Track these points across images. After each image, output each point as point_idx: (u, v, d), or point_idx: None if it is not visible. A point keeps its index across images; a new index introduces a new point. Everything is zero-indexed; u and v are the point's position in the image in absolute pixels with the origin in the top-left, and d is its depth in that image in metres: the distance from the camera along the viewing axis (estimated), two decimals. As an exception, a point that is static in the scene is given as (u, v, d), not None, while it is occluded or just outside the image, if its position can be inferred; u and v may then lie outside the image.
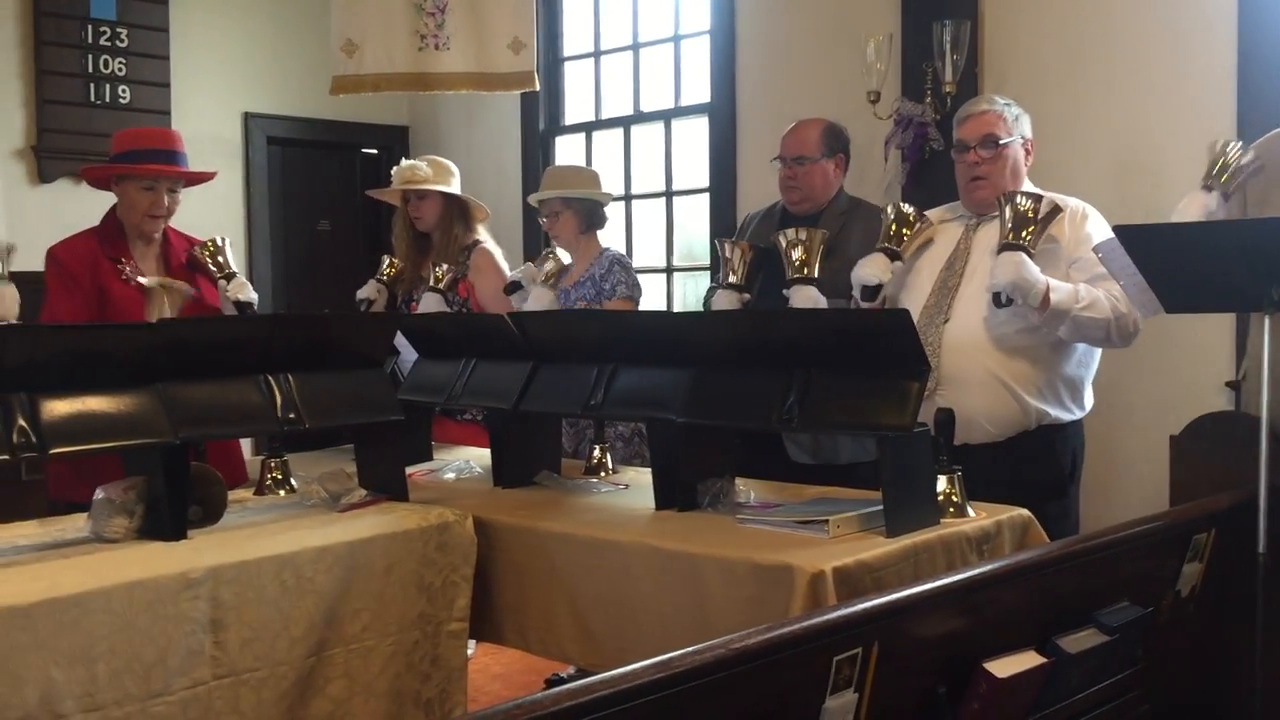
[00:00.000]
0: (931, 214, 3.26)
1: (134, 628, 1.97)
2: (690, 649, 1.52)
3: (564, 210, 4.02)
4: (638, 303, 3.98)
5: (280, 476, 2.79)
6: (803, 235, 3.16)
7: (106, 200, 3.47)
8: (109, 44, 5.72)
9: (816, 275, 3.14)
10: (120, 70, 5.75)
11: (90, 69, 5.68)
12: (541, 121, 6.19)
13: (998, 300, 2.88)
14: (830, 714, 1.67)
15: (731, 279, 3.31)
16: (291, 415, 2.50)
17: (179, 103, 5.91)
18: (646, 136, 5.91)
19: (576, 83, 6.23)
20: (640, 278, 4.08)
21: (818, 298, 3.11)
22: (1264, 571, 2.36)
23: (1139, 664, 2.26)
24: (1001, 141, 3.09)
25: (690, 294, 5.70)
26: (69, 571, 2.03)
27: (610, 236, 4.20)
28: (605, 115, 6.06)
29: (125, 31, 5.76)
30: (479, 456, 3.23)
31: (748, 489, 2.57)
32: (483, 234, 4.10)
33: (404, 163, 4.09)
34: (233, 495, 2.56)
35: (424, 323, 3.37)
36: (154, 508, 2.30)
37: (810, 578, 2.01)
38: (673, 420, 2.51)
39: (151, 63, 5.85)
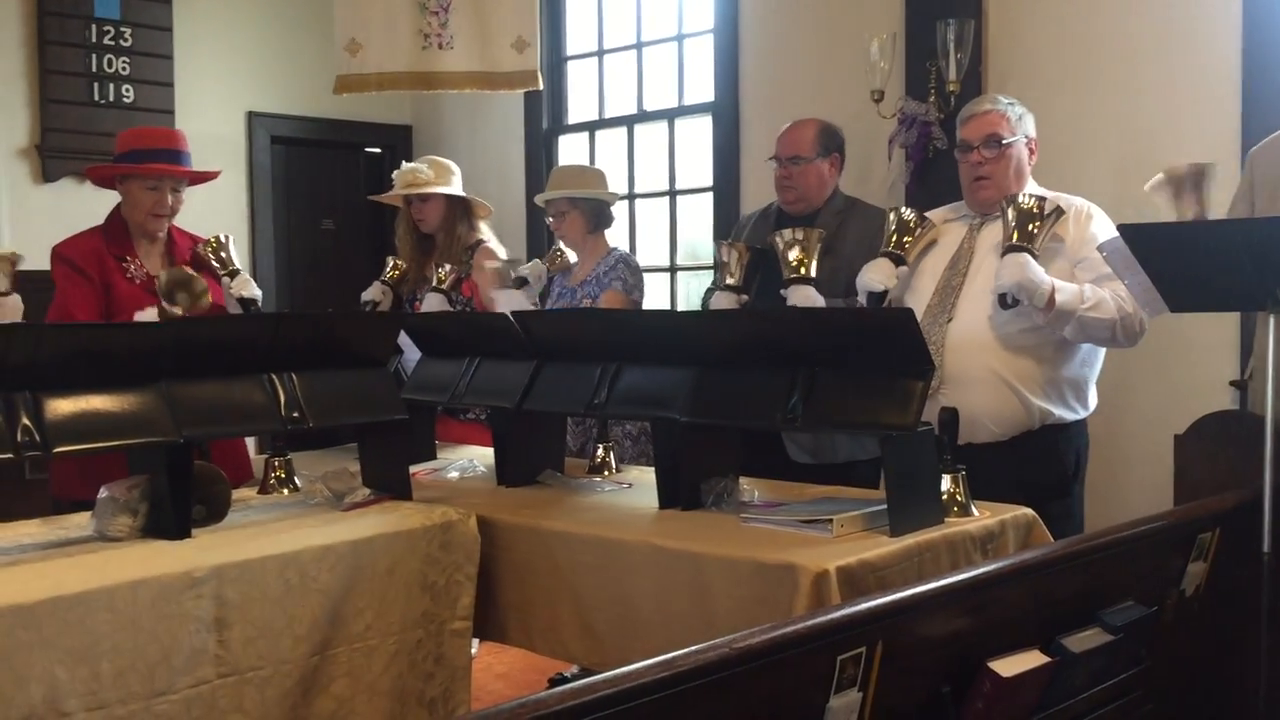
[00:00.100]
0: (935, 214, 3.26)
1: (138, 626, 1.97)
2: (694, 648, 1.52)
3: (571, 210, 4.02)
4: (635, 300, 3.96)
5: (284, 475, 2.79)
6: (799, 235, 3.16)
7: (109, 200, 3.47)
8: (113, 43, 5.73)
9: (813, 275, 3.14)
10: (124, 70, 5.76)
11: (94, 68, 5.69)
12: (545, 121, 6.19)
13: (1003, 302, 2.88)
14: (834, 713, 1.67)
15: (729, 280, 3.32)
16: (295, 414, 2.50)
17: (183, 102, 5.92)
18: (650, 136, 5.91)
19: (580, 82, 6.23)
20: (644, 277, 4.08)
21: (815, 297, 3.11)
22: (1269, 571, 2.36)
23: (1143, 663, 2.25)
24: (1005, 141, 3.09)
25: (694, 293, 5.70)
26: (73, 570, 2.03)
27: (614, 236, 4.20)
28: (609, 114, 6.06)
29: (129, 31, 5.76)
30: (482, 455, 3.23)
31: (751, 488, 2.57)
32: (486, 233, 4.09)
33: (405, 165, 4.09)
34: (236, 494, 2.56)
35: (427, 322, 3.37)
36: (158, 506, 2.30)
37: (814, 577, 2.01)
38: (676, 419, 2.51)
39: (155, 62, 5.86)
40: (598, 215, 4.05)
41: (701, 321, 2.85)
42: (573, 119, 6.24)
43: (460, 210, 4.04)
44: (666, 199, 5.81)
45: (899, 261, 3.10)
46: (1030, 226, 2.88)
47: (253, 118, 6.30)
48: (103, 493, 2.30)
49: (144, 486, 2.31)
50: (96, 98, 5.69)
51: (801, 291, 3.11)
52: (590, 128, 6.13)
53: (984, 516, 2.40)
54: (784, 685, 1.62)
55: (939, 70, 4.34)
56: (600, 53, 6.09)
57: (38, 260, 3.40)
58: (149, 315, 3.12)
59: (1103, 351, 3.11)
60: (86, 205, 4.58)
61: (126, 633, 1.95)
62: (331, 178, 6.79)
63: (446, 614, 2.44)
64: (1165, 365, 3.95)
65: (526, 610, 2.50)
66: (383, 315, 3.69)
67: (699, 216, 5.64)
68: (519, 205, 6.01)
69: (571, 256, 3.89)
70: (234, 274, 3.37)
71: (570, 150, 6.20)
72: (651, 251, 5.83)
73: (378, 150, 6.84)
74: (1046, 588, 2.06)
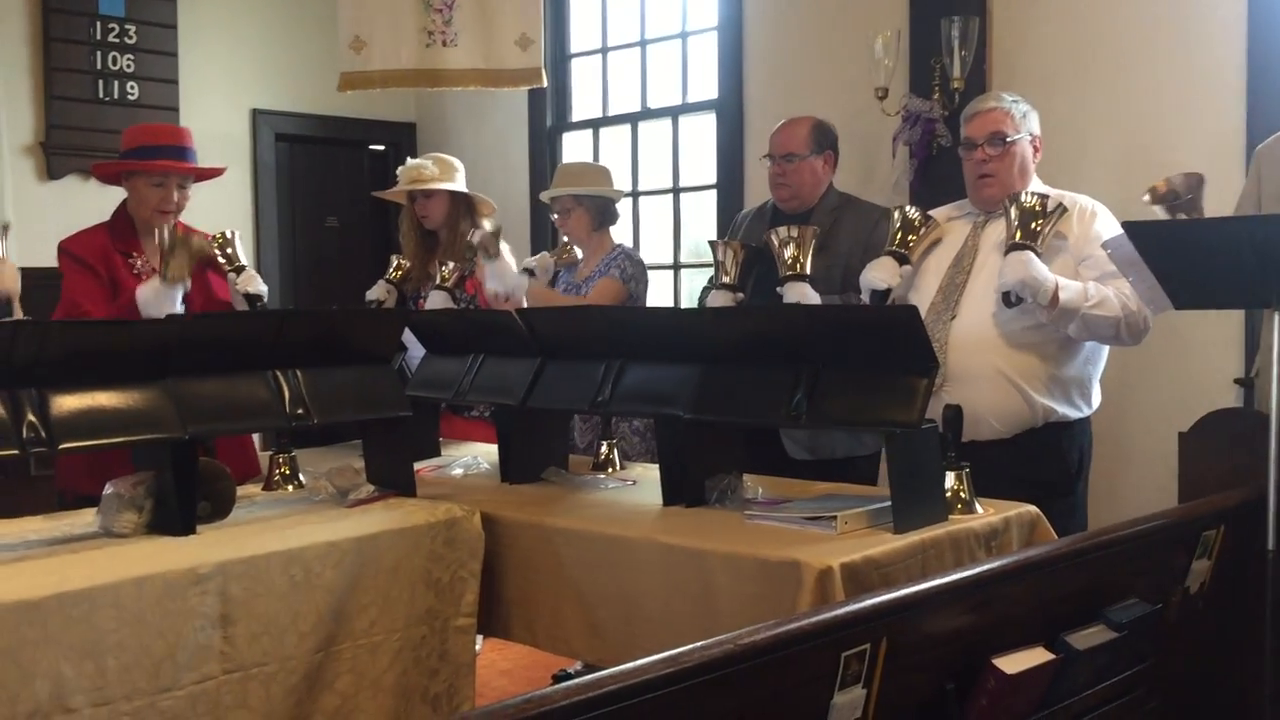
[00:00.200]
0: (939, 212, 3.26)
1: (143, 622, 1.97)
2: (699, 644, 1.52)
3: (576, 207, 4.02)
4: (635, 294, 3.95)
5: (288, 472, 2.79)
6: (794, 233, 3.16)
7: (114, 197, 3.48)
8: (117, 40, 5.73)
9: (809, 272, 3.14)
10: (129, 67, 5.77)
11: (99, 65, 5.69)
12: (549, 118, 6.19)
13: (1007, 300, 2.88)
14: (839, 709, 1.67)
15: (725, 279, 3.32)
16: (300, 411, 2.51)
17: (187, 99, 5.93)
18: (654, 133, 5.91)
19: (584, 79, 6.23)
20: (649, 273, 4.08)
21: (811, 294, 3.11)
22: (1273, 568, 2.36)
23: (1147, 661, 2.25)
24: (1009, 139, 3.08)
25: (698, 290, 5.70)
26: (78, 566, 2.04)
27: (618, 233, 4.20)
28: (612, 112, 6.06)
29: (134, 28, 5.77)
30: (486, 452, 3.23)
31: (755, 485, 2.57)
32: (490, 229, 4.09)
33: (410, 162, 4.09)
34: (241, 491, 2.56)
35: (432, 319, 3.37)
36: (163, 503, 2.30)
37: (818, 574, 2.01)
38: (680, 416, 2.51)
39: (160, 59, 5.86)
40: (602, 212, 4.05)
41: (705, 319, 2.85)
42: (577, 116, 6.24)
43: (464, 207, 4.03)
44: (670, 196, 5.81)
45: (903, 260, 3.10)
46: (1034, 224, 2.88)
47: (257, 115, 6.30)
48: (108, 489, 2.31)
49: (149, 483, 2.31)
50: (101, 95, 5.70)
51: (797, 288, 3.12)
52: (594, 125, 6.13)
53: (988, 514, 2.40)
54: (788, 682, 1.62)
55: (943, 67, 4.34)
56: (604, 50, 6.09)
57: (43, 257, 3.41)
58: (151, 287, 3.13)
59: (1106, 349, 3.10)
60: (91, 202, 4.58)
61: (132, 629, 1.96)
62: (336, 175, 6.79)
63: (451, 610, 2.45)
64: (1169, 363, 3.95)
65: (530, 607, 2.50)
66: (387, 312, 3.69)
67: (703, 214, 5.64)
68: (523, 202, 6.02)
69: (579, 252, 3.89)
70: (240, 270, 3.37)
71: (574, 147, 6.20)
72: (655, 249, 5.83)
73: (382, 148, 6.85)
74: (1051, 585, 2.06)
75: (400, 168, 4.11)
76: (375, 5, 5.25)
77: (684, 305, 5.63)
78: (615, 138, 6.06)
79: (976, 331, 2.99)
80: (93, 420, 2.20)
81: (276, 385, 2.50)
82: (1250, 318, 3.79)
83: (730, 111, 5.34)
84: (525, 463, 2.89)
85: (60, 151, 5.60)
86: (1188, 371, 3.95)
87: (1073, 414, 3.03)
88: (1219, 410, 2.80)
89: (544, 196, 4.23)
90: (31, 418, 2.13)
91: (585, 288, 3.95)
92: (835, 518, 2.24)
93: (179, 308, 3.16)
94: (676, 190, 5.78)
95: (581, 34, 6.20)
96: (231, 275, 3.37)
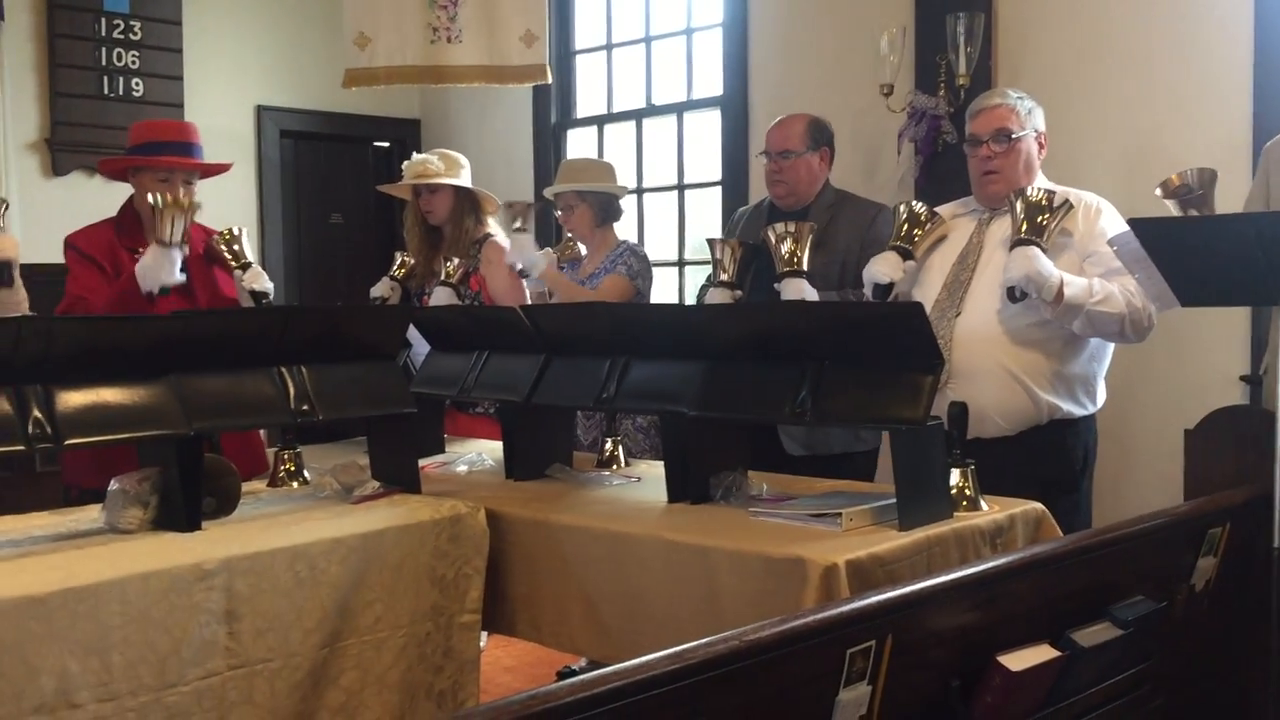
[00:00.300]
0: (943, 209, 3.25)
1: (149, 618, 1.98)
2: (704, 640, 1.52)
3: (579, 204, 4.02)
4: (641, 289, 3.96)
5: (293, 468, 2.79)
6: (791, 228, 3.17)
7: (119, 193, 3.48)
8: (122, 37, 5.74)
9: (806, 268, 3.14)
10: (133, 63, 5.77)
11: (103, 62, 5.70)
12: (553, 114, 6.19)
13: (1012, 295, 2.87)
14: (844, 706, 1.67)
15: (723, 277, 3.33)
16: (305, 407, 2.51)
17: (192, 96, 5.93)
18: (658, 130, 5.90)
19: (588, 75, 6.22)
20: (653, 270, 4.08)
21: (808, 290, 3.12)
22: (1278, 566, 2.35)
23: (1153, 658, 2.25)
24: (1014, 135, 3.08)
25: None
26: (84, 562, 2.04)
27: (622, 230, 4.20)
28: (617, 108, 6.06)
29: (138, 25, 5.78)
30: (491, 449, 3.23)
31: (760, 482, 2.57)
32: (493, 227, 4.10)
33: (415, 157, 4.10)
34: (246, 487, 2.56)
35: (436, 316, 3.37)
36: (168, 499, 2.30)
37: (823, 571, 2.01)
38: (685, 413, 2.51)
39: (164, 56, 5.87)
40: (606, 209, 4.05)
41: (710, 316, 2.85)
42: (581, 113, 6.24)
43: (468, 203, 4.04)
44: (675, 193, 5.81)
45: (907, 255, 3.10)
46: (1040, 219, 2.87)
47: (262, 111, 6.31)
48: (113, 485, 2.31)
49: (154, 479, 2.32)
50: (106, 91, 5.71)
51: (795, 284, 3.12)
52: (598, 121, 6.13)
53: (993, 511, 2.40)
54: (794, 678, 1.62)
55: (949, 64, 4.33)
56: (609, 46, 6.09)
57: (48, 254, 3.41)
58: (149, 252, 3.13)
59: (1111, 347, 3.10)
60: (96, 199, 4.60)
61: (137, 625, 1.96)
62: (340, 172, 6.80)
63: (455, 607, 2.45)
64: (1174, 360, 3.94)
65: (535, 603, 2.50)
66: (392, 309, 3.69)
67: (707, 211, 5.64)
68: (527, 199, 6.00)
69: (582, 248, 3.89)
70: (246, 267, 3.38)
71: (578, 144, 6.20)
72: (659, 246, 5.83)
73: (386, 144, 6.85)
74: (1056, 582, 2.06)
75: (406, 163, 4.12)
76: (380, 1, 5.25)
77: (689, 302, 5.63)
78: (620, 134, 6.05)
79: (981, 328, 2.99)
80: (98, 416, 2.21)
81: (281, 382, 2.50)
82: (1256, 315, 3.79)
83: (735, 108, 5.33)
84: (530, 459, 2.89)
85: (65, 148, 5.61)
86: (1193, 369, 3.95)
87: (1077, 411, 3.03)
88: (1225, 408, 2.79)
89: (547, 193, 4.24)
90: (37, 413, 2.13)
91: (589, 284, 3.95)
92: (840, 515, 2.24)
93: (179, 276, 3.15)
94: (681, 187, 5.78)
95: (586, 30, 6.20)
96: (238, 272, 3.38)
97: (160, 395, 2.29)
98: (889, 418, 2.26)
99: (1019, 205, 2.90)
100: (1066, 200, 2.92)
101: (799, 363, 2.37)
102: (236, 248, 3.39)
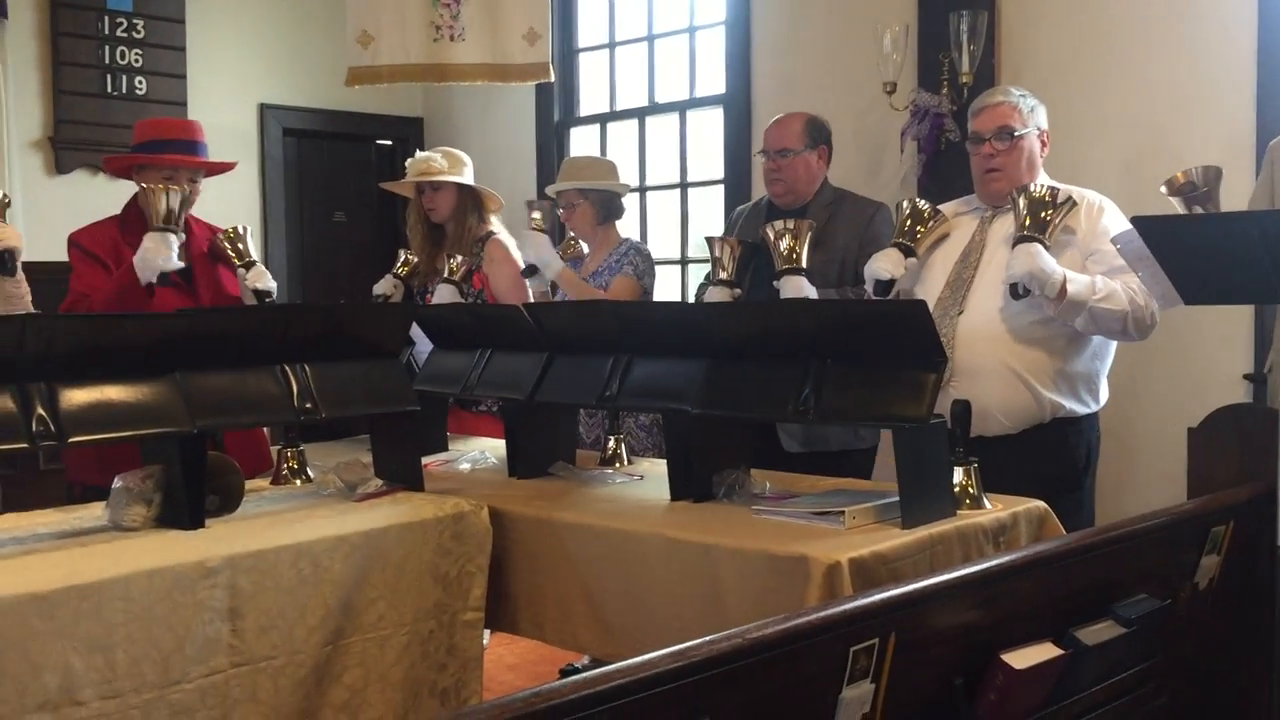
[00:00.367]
0: (946, 207, 3.25)
1: (152, 616, 1.98)
2: (708, 638, 1.52)
3: (580, 201, 4.03)
4: (647, 288, 3.96)
5: (297, 466, 2.79)
6: (790, 225, 3.16)
7: (122, 191, 3.48)
8: (125, 35, 5.74)
9: (805, 265, 3.14)
10: (137, 61, 5.78)
11: (107, 60, 5.71)
12: (556, 113, 6.19)
13: (1014, 292, 2.87)
14: (847, 704, 1.67)
15: (722, 275, 3.33)
16: (308, 405, 2.51)
17: (195, 94, 5.94)
18: (661, 128, 5.90)
19: (591, 74, 6.22)
20: (656, 268, 4.08)
21: (808, 287, 3.12)
22: (1282, 564, 2.35)
23: (1156, 656, 2.25)
24: (1017, 133, 3.07)
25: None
26: (88, 559, 2.04)
27: (625, 228, 4.20)
28: (620, 106, 6.06)
29: (141, 23, 5.78)
30: (494, 447, 3.23)
31: (763, 480, 2.57)
32: (496, 225, 4.10)
33: (418, 154, 4.10)
34: (249, 485, 2.56)
35: (439, 314, 3.37)
36: (172, 496, 2.31)
37: (826, 569, 2.01)
38: (688, 411, 2.51)
39: (168, 54, 5.87)
40: (607, 207, 4.05)
41: (713, 314, 2.85)
42: (584, 111, 6.24)
43: (471, 201, 4.04)
44: (677, 191, 5.81)
45: (909, 252, 3.10)
46: (1043, 214, 2.87)
47: (265, 110, 6.31)
48: (117, 483, 2.31)
49: (158, 476, 2.32)
50: (109, 90, 5.71)
51: (794, 282, 3.12)
52: (601, 120, 6.13)
53: (996, 509, 2.39)
54: (797, 676, 1.62)
55: (951, 62, 4.33)
56: (612, 45, 6.09)
57: (51, 252, 3.41)
58: (147, 240, 3.13)
59: (1114, 345, 3.09)
60: (99, 197, 4.61)
61: (141, 622, 1.96)
62: (343, 170, 6.80)
63: (458, 605, 2.45)
64: (1177, 359, 3.94)
65: (538, 601, 2.50)
66: (395, 307, 3.69)
67: (710, 209, 5.63)
68: (530, 197, 6.00)
69: (584, 247, 3.89)
70: (250, 265, 3.38)
71: (581, 142, 6.20)
72: (662, 244, 5.83)
73: (389, 142, 6.85)
74: (1059, 580, 2.05)
75: (409, 161, 4.12)
76: (383, 0, 5.25)
77: (691, 300, 5.63)
78: (623, 132, 6.05)
79: (984, 326, 2.99)
80: (101, 414, 2.21)
81: (284, 380, 2.50)
82: (1259, 313, 3.78)
83: (738, 106, 5.33)
84: (533, 457, 2.89)
85: (68, 146, 5.62)
86: (1196, 367, 3.94)
87: (1080, 409, 3.02)
88: (1229, 406, 2.79)
89: (549, 191, 4.24)
90: (41, 411, 2.13)
91: (592, 282, 3.95)
92: (843, 513, 2.24)
93: (176, 261, 3.15)
94: (684, 185, 5.77)
95: (589, 29, 6.20)
96: (241, 271, 3.38)
97: (164, 393, 2.29)
98: (892, 416, 2.26)
99: (1022, 202, 2.89)
100: (1069, 196, 2.92)
101: (802, 361, 2.37)
102: (241, 246, 3.39)
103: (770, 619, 1.61)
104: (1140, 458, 3.97)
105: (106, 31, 5.70)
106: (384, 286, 3.91)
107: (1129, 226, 2.60)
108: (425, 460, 2.84)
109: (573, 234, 4.01)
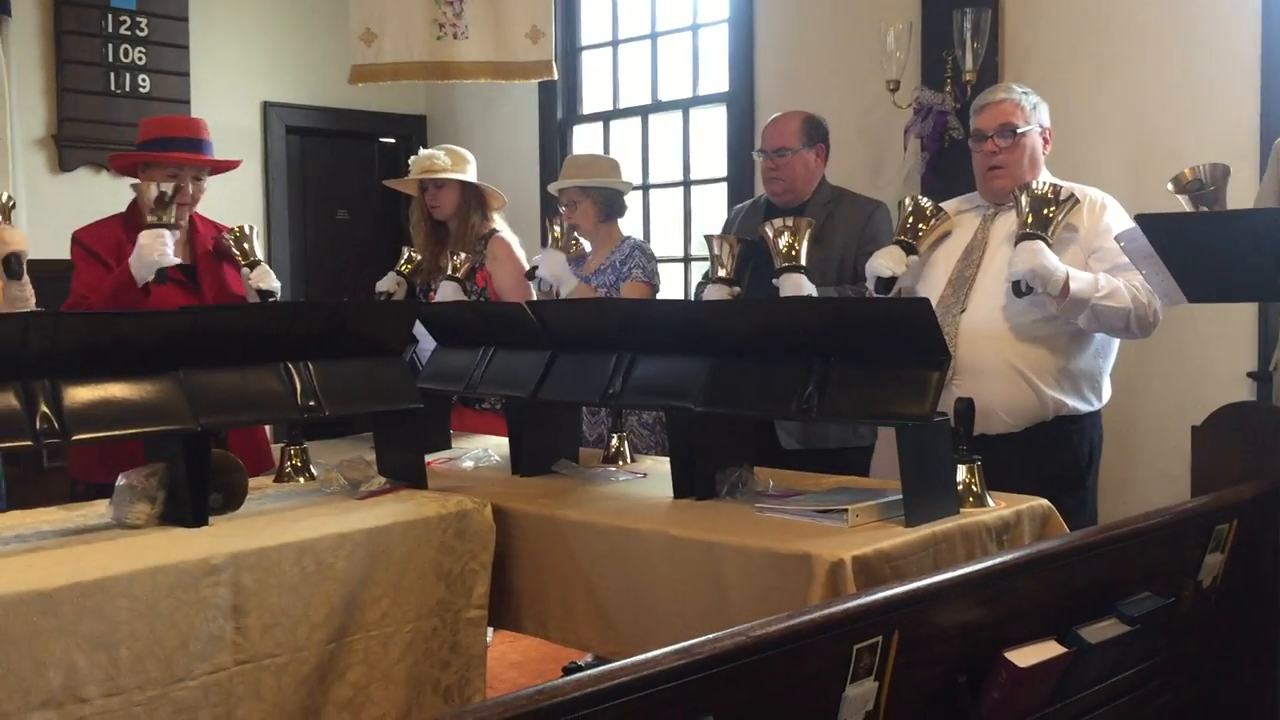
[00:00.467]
0: (948, 205, 3.25)
1: (156, 613, 1.98)
2: (711, 636, 1.51)
3: (583, 199, 4.03)
4: (655, 289, 3.97)
5: (300, 464, 2.79)
6: (789, 223, 3.16)
7: (125, 190, 3.48)
8: (129, 33, 5.75)
9: (804, 263, 3.14)
10: (140, 59, 5.78)
11: (110, 58, 5.71)
12: (559, 110, 6.19)
13: (1017, 289, 2.87)
14: (851, 702, 1.67)
15: (721, 273, 3.33)
16: (311, 403, 2.51)
17: (198, 92, 5.94)
18: (664, 126, 5.90)
19: (594, 72, 6.22)
20: (659, 266, 4.09)
21: (807, 285, 3.12)
22: (1286, 563, 2.35)
23: (1160, 655, 2.25)
24: (1019, 130, 3.07)
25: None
26: (91, 557, 2.04)
27: (628, 226, 4.20)
28: (623, 104, 6.05)
29: (145, 21, 5.79)
30: (497, 445, 3.23)
31: (766, 478, 2.57)
32: (499, 223, 4.10)
33: (422, 152, 4.11)
34: (253, 482, 2.56)
35: (442, 311, 3.37)
36: (175, 494, 2.31)
37: (829, 567, 2.01)
38: (691, 409, 2.51)
39: (171, 52, 5.88)
40: (610, 205, 4.05)
41: (716, 311, 2.85)
42: (587, 109, 6.23)
43: (474, 199, 4.04)
44: (680, 189, 5.80)
45: (910, 250, 3.10)
46: (1045, 212, 2.87)
47: (268, 108, 6.31)
48: (121, 480, 2.31)
49: (162, 474, 2.32)
50: (113, 87, 5.71)
51: (793, 280, 3.12)
52: (605, 118, 6.12)
53: (1000, 507, 2.39)
54: (800, 674, 1.62)
55: (955, 60, 4.33)
56: (615, 42, 6.09)
57: (54, 250, 3.42)
58: (142, 236, 3.12)
59: (1117, 343, 3.09)
60: (102, 195, 4.61)
61: (144, 619, 1.96)
62: (347, 168, 6.80)
63: (462, 602, 2.45)
64: (1180, 357, 3.94)
65: (541, 599, 2.50)
66: (398, 304, 3.70)
67: (713, 207, 5.63)
68: (533, 195, 6.01)
69: (587, 245, 3.90)
70: (254, 265, 3.38)
71: (584, 140, 6.20)
72: (665, 242, 5.83)
73: (392, 140, 6.85)
74: (1063, 578, 2.05)
75: (412, 159, 4.12)
76: (386, -2, 5.26)
77: (694, 298, 5.63)
78: (626, 130, 6.05)
79: (986, 324, 2.99)
80: (105, 411, 2.21)
81: (288, 377, 2.50)
82: (1264, 311, 3.78)
83: (741, 104, 5.33)
84: (536, 455, 2.89)
85: (72, 144, 5.62)
86: (1199, 365, 3.94)
87: (1083, 407, 3.02)
88: (1232, 404, 2.78)
89: (551, 188, 4.24)
90: (44, 409, 2.13)
91: (595, 280, 3.95)
92: (847, 511, 2.24)
93: (172, 257, 3.14)
94: (687, 183, 5.77)
95: (592, 26, 6.20)
96: (245, 270, 3.38)
97: (167, 391, 2.29)
98: (895, 414, 2.26)
99: (1024, 199, 2.89)
100: (1072, 194, 2.91)
101: (805, 358, 2.37)
102: (246, 245, 3.39)
103: (773, 617, 1.61)
104: (1143, 456, 3.96)
105: (110, 29, 5.70)
106: (387, 284, 3.91)
107: (1132, 224, 2.60)
108: (428, 458, 2.84)
109: (576, 232, 4.01)
